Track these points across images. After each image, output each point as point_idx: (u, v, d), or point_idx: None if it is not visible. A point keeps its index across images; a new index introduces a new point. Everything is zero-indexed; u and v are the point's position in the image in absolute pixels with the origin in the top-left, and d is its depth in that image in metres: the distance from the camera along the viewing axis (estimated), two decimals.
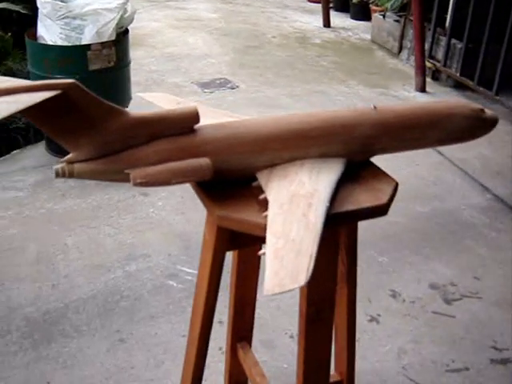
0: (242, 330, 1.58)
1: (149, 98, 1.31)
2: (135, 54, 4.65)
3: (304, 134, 1.04)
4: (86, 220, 2.52)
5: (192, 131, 0.99)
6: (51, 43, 2.73)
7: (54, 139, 0.94)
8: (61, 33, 2.66)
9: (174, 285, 2.15)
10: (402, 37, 4.49)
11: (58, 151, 2.97)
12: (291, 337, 1.95)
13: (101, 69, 2.76)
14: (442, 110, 1.15)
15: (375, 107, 1.10)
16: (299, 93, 4.00)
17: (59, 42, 2.71)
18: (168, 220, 2.54)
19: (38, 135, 3.19)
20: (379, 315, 2.06)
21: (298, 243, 0.82)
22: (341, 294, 1.31)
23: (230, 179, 1.02)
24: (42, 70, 2.76)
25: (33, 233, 2.42)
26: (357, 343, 1.93)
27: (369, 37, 5.11)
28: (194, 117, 0.98)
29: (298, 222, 0.87)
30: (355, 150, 1.08)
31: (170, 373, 1.79)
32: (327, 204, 0.91)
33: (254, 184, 1.01)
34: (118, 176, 0.96)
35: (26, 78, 2.96)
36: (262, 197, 0.96)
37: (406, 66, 4.47)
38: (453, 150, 3.14)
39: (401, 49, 4.56)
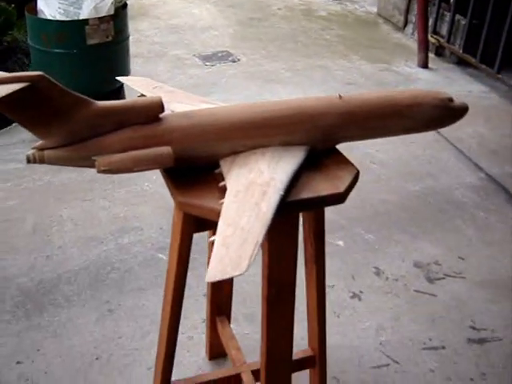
0: (220, 305, 1.65)
1: (127, 81, 1.35)
2: (140, 25, 4.68)
3: (267, 123, 1.07)
4: (81, 193, 2.58)
5: (157, 120, 1.03)
6: (50, 18, 2.76)
7: (24, 127, 0.99)
8: (59, 7, 2.68)
9: (164, 258, 2.21)
10: (408, 11, 4.45)
11: None
12: None
13: (99, 43, 2.79)
14: (408, 100, 1.17)
15: (340, 96, 1.13)
16: (300, 67, 4.00)
17: (58, 17, 2.74)
18: (162, 194, 2.59)
19: None
20: (361, 292, 2.12)
21: (247, 231, 0.87)
22: (310, 274, 1.37)
23: (196, 166, 1.07)
24: (40, 44, 2.80)
25: (30, 204, 2.49)
26: (337, 319, 2.01)
27: (375, 10, 5.06)
28: (158, 107, 1.02)
29: (250, 211, 0.91)
30: (318, 138, 1.11)
31: (155, 343, 1.85)
32: (281, 193, 0.96)
33: (217, 171, 1.05)
34: (86, 162, 1.01)
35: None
36: (221, 184, 1.01)
37: (411, 41, 4.44)
38: (449, 128, 3.14)
39: (406, 23, 4.52)
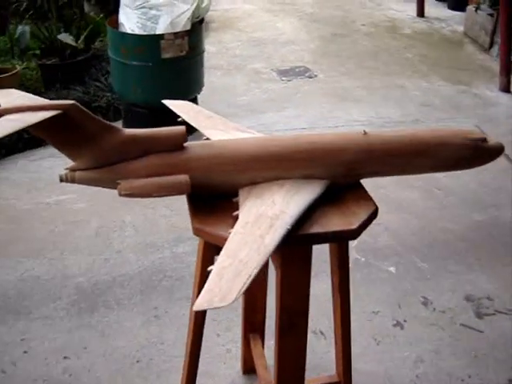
0: (253, 322, 1.69)
1: (171, 106, 1.43)
2: (223, 38, 4.82)
3: (287, 157, 1.11)
4: (145, 200, 2.71)
5: (180, 148, 1.10)
6: (130, 31, 2.92)
7: (58, 150, 1.08)
8: (138, 22, 2.83)
9: None
10: (494, 32, 4.31)
11: None
12: (314, 332, 2.02)
13: (173, 57, 2.91)
14: (435, 139, 1.17)
15: (365, 132, 1.15)
16: (377, 86, 3.97)
17: (136, 31, 2.89)
18: None
19: (116, 114, 3.43)
20: (405, 321, 2.09)
21: (243, 264, 0.91)
22: (335, 302, 1.39)
23: (215, 194, 1.12)
24: (119, 55, 2.96)
25: (96, 208, 2.64)
26: (376, 346, 2.00)
27: (462, 29, 4.93)
28: (181, 137, 1.08)
29: (252, 243, 0.95)
30: (340, 173, 1.13)
31: None
32: (288, 227, 0.99)
33: (235, 200, 1.10)
34: (113, 184, 1.09)
35: None
36: (235, 213, 1.06)
37: (495, 63, 4.29)
38: None
39: (492, 44, 4.38)
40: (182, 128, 1.09)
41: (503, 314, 2.14)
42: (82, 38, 3.56)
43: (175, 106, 1.42)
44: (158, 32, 2.86)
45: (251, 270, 0.90)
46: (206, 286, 0.89)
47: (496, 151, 1.22)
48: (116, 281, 2.23)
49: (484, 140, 1.20)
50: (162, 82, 2.98)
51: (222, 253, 0.95)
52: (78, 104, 1.03)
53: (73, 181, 1.10)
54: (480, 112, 3.58)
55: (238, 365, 1.89)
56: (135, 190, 1.06)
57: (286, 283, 1.12)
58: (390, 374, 1.88)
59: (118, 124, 3.38)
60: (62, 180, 1.10)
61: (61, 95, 3.42)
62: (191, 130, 1.25)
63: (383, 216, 2.63)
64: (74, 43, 3.38)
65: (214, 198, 1.13)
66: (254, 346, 1.70)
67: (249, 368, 1.85)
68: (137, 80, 2.99)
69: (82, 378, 1.84)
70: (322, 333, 2.01)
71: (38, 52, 3.75)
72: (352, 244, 2.45)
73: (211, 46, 4.44)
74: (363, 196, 1.17)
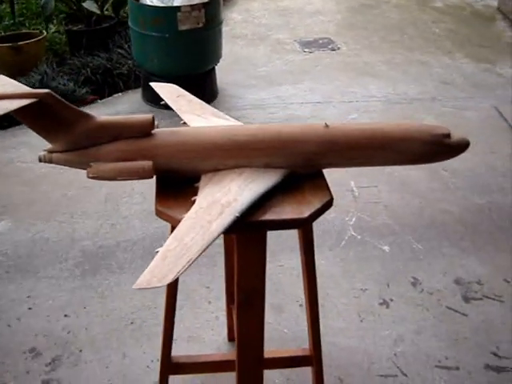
0: (233, 295, 1.78)
1: (156, 88, 1.50)
2: (251, 6, 4.83)
3: (248, 146, 1.17)
4: None
5: (148, 135, 1.18)
6: (149, 3, 2.98)
7: (37, 134, 1.18)
8: None
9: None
10: None
11: (151, 100, 3.27)
12: (301, 305, 2.11)
13: (189, 29, 2.97)
14: (397, 133, 1.20)
15: (327, 125, 1.20)
16: (398, 61, 3.95)
17: (155, 2, 2.95)
18: None
19: (137, 81, 3.52)
20: (391, 300, 2.16)
21: (187, 248, 0.99)
22: (304, 283, 1.47)
23: (181, 179, 1.20)
24: (138, 26, 3.04)
25: None
26: (359, 323, 2.08)
27: (496, 4, 4.82)
28: (148, 124, 1.16)
29: (199, 228, 1.03)
30: (299, 163, 1.20)
31: (186, 317, 2.05)
32: (237, 215, 1.06)
33: (196, 185, 1.18)
34: (86, 166, 1.18)
35: None
36: (193, 199, 1.14)
37: None
38: None
39: None
40: (149, 116, 1.17)
41: (490, 299, 2.18)
42: (107, 5, 3.64)
43: (160, 87, 1.50)
44: (175, 4, 2.92)
45: (193, 254, 0.98)
46: (149, 266, 0.97)
47: (459, 147, 1.25)
48: (120, 245, 2.36)
49: (447, 136, 1.23)
50: (178, 54, 3.05)
51: (171, 236, 1.03)
52: (53, 93, 1.12)
53: (50, 161, 1.20)
54: (500, 93, 3.54)
55: (225, 332, 2.00)
56: (101, 173, 1.15)
57: (241, 265, 1.21)
58: (369, 351, 1.96)
59: (138, 92, 3.48)
60: (40, 160, 1.20)
61: (85, 61, 3.53)
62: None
63: (384, 195, 2.72)
64: (98, 11, 3.46)
65: (180, 182, 1.21)
66: (235, 316, 1.79)
67: (233, 336, 1.96)
68: (154, 50, 3.07)
69: (79, 336, 1.98)
70: None
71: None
72: (350, 222, 2.52)
73: (238, 15, 4.47)
74: (321, 186, 1.22)
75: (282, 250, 2.28)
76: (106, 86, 3.50)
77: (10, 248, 2.33)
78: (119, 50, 3.64)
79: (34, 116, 1.13)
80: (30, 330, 1.99)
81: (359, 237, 2.44)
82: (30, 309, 2.07)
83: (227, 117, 1.37)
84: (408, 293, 2.19)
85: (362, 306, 2.12)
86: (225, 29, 3.47)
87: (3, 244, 2.36)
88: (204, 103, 1.43)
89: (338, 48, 4.13)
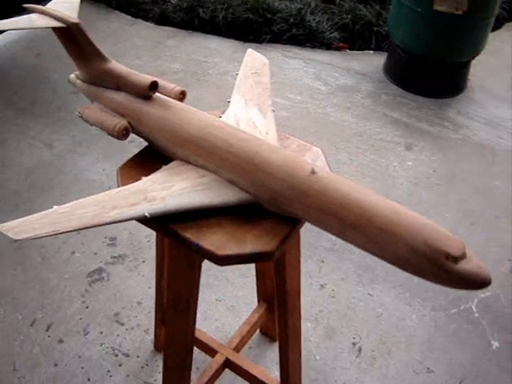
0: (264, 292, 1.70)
1: (248, 54, 1.39)
2: None
3: (218, 152, 1.04)
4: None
5: (146, 98, 1.13)
6: None
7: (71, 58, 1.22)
8: None
9: None
10: None
11: (388, 72, 3.08)
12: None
13: (445, 12, 2.64)
14: (379, 220, 0.90)
15: (314, 171, 0.99)
16: None
17: None
18: None
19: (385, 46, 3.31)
20: None
21: (69, 219, 0.94)
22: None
23: (159, 153, 1.15)
24: None
25: None
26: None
27: None
28: (145, 88, 1.11)
29: (100, 208, 0.97)
30: (264, 197, 1.02)
31: None
32: (146, 214, 0.98)
33: (164, 167, 1.11)
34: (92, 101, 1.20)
35: None
36: (143, 177, 1.08)
37: None
38: None
39: None
40: (149, 80, 1.10)
41: None
42: None
43: (251, 55, 1.38)
44: None
45: (64, 228, 0.92)
46: (34, 215, 0.96)
47: (467, 281, 0.86)
48: None
49: (454, 258, 0.86)
50: (425, 32, 2.77)
51: (81, 200, 1.00)
52: (81, 26, 1.13)
53: (74, 85, 1.24)
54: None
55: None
56: (85, 116, 1.16)
57: (171, 272, 1.13)
58: None
59: (382, 56, 3.30)
60: (69, 81, 1.25)
61: (352, 7, 3.42)
62: None
63: None
64: None
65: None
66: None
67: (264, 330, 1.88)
68: (404, 21, 2.83)
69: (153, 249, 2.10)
70: None
71: None
72: None
73: None
74: (276, 233, 1.02)
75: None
76: (361, 39, 3.37)
77: None
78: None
79: (66, 40, 1.18)
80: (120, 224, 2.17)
81: None
82: None
83: (269, 117, 1.22)
84: None
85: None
86: None
87: None
88: (266, 91, 1.29)
89: None
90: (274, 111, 1.24)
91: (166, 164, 1.11)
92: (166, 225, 1.02)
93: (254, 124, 1.19)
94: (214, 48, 3.47)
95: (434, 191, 2.47)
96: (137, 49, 3.43)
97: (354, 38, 3.36)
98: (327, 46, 3.31)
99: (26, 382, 1.73)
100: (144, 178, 1.07)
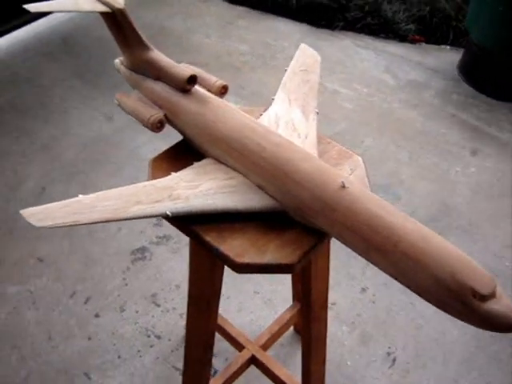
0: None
1: (300, 49, 1.34)
2: None
3: (250, 157, 1.00)
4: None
5: (184, 91, 1.10)
6: None
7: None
8: None
9: None
10: None
11: (464, 73, 2.93)
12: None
13: None
14: (412, 248, 0.84)
15: (344, 185, 0.94)
16: None
17: None
18: None
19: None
20: None
21: (91, 210, 0.94)
22: None
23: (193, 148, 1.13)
24: None
25: None
26: None
27: None
28: (182, 81, 1.08)
29: (124, 202, 0.96)
30: (290, 207, 0.98)
31: None
32: (168, 213, 0.96)
33: (194, 163, 1.09)
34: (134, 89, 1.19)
35: None
36: (172, 172, 1.06)
37: None
38: None
39: None
40: (187, 74, 1.07)
41: None
42: None
43: (303, 50, 1.34)
44: None
45: (84, 219, 0.92)
46: (55, 203, 0.95)
47: (494, 323, 0.79)
48: None
49: (481, 296, 0.79)
50: (505, 32, 2.61)
51: (106, 191, 0.99)
52: (125, 12, 1.12)
53: (118, 71, 1.23)
54: None
55: None
56: (122, 104, 1.15)
57: (194, 270, 1.12)
58: None
59: (459, 52, 3.14)
60: (115, 65, 1.25)
61: None
62: None
63: None
64: None
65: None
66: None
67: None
68: (483, 18, 2.67)
69: None
70: None
71: None
72: None
73: None
74: (294, 243, 0.98)
75: None
76: (438, 33, 3.22)
77: None
78: None
79: (111, 25, 1.16)
80: None
81: None
82: None
83: (311, 119, 1.17)
84: None
85: None
86: None
87: None
88: (313, 91, 1.24)
89: None
90: (317, 113, 1.19)
91: (198, 161, 1.09)
92: (188, 225, 1.00)
93: (293, 126, 1.14)
94: (284, 31, 3.40)
95: (495, 202, 2.34)
96: (206, 27, 3.41)
97: (431, 31, 3.21)
98: (401, 37, 3.18)
99: (58, 351, 1.77)
100: (173, 174, 1.05)
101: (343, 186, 0.94)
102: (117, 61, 1.24)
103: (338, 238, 0.95)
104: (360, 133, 2.64)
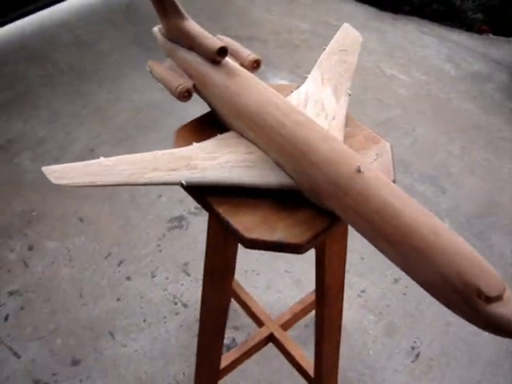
0: None
1: (342, 28, 1.31)
2: None
3: (269, 133, 0.99)
4: None
5: (215, 62, 1.10)
6: None
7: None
8: None
9: None
10: None
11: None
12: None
13: None
14: (420, 241, 0.81)
15: (359, 170, 0.92)
16: None
17: None
18: None
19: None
20: None
21: (108, 173, 0.95)
22: None
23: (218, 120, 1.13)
24: None
25: None
26: None
27: None
28: (212, 52, 1.07)
29: (141, 168, 0.97)
30: (304, 187, 0.96)
31: None
32: (183, 181, 0.96)
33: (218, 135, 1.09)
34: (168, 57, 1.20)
35: None
36: (194, 143, 1.06)
37: None
38: None
39: None
40: (217, 45, 1.06)
41: None
42: None
43: (345, 29, 1.31)
44: None
45: (100, 181, 0.93)
46: (73, 163, 0.98)
47: (498, 327, 0.75)
48: None
49: (486, 297, 0.75)
50: None
51: (124, 156, 1.01)
52: None
53: (155, 38, 1.24)
54: None
55: None
56: (153, 71, 1.15)
57: (210, 245, 1.13)
58: None
59: None
60: (153, 32, 1.25)
61: None
62: None
63: None
64: None
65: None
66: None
67: None
68: None
69: None
70: None
71: None
72: None
73: None
74: (306, 223, 0.97)
75: None
76: (508, 25, 3.08)
77: None
78: None
79: None
80: None
81: None
82: None
83: (342, 100, 1.14)
84: None
85: None
86: None
87: None
88: (349, 72, 1.21)
89: None
90: (350, 95, 1.16)
91: (222, 133, 1.09)
92: (203, 195, 1.00)
93: (322, 106, 1.12)
94: (347, 12, 3.34)
95: None
96: (269, 2, 3.39)
97: (500, 22, 3.07)
98: (467, 26, 3.06)
99: (88, 309, 1.83)
100: (194, 144, 1.05)
101: (359, 171, 0.91)
102: (155, 28, 1.24)
103: (349, 223, 0.93)
104: (412, 121, 2.57)
